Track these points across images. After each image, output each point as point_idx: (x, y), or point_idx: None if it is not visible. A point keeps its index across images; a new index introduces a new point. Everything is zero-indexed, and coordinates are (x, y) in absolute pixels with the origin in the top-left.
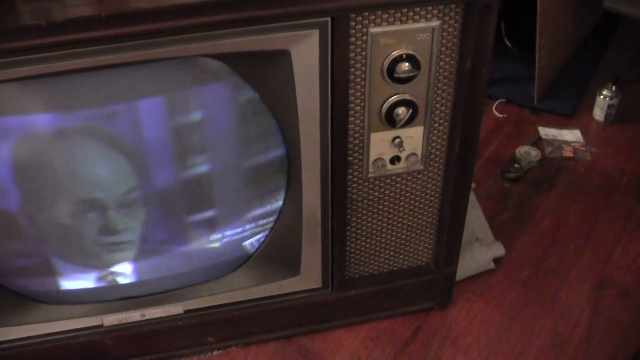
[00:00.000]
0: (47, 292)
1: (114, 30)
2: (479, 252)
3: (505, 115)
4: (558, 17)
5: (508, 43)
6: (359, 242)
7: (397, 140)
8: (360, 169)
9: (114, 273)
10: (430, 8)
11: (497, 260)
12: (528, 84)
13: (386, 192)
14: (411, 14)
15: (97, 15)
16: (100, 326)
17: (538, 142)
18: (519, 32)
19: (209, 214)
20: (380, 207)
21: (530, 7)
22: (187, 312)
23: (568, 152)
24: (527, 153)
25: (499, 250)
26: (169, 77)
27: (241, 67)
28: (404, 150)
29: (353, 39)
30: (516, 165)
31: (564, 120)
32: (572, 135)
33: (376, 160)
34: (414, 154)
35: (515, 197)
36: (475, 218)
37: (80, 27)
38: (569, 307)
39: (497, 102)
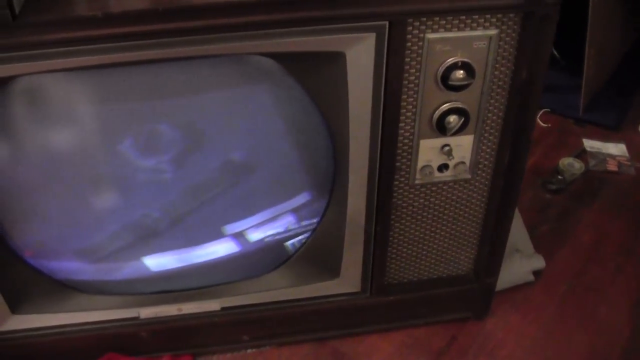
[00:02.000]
0: (86, 282)
1: (170, 24)
2: (519, 263)
3: (549, 125)
4: (607, 26)
5: (555, 51)
6: (400, 247)
7: (446, 148)
8: (407, 175)
9: (151, 265)
10: (488, 16)
11: (536, 273)
12: (573, 93)
13: (431, 199)
14: (469, 21)
15: (153, 8)
16: (137, 318)
17: (582, 154)
18: (566, 41)
19: (253, 212)
20: (425, 213)
21: (578, 15)
22: (223, 309)
23: (612, 166)
24: (570, 165)
25: (538, 262)
26: (221, 74)
27: (294, 66)
28: (452, 158)
29: (409, 44)
30: (559, 177)
31: (608, 132)
32: (617, 149)
33: (423, 167)
34: (462, 162)
35: (557, 208)
36: (516, 228)
37: (136, 20)
38: (607, 324)
39: (542, 111)
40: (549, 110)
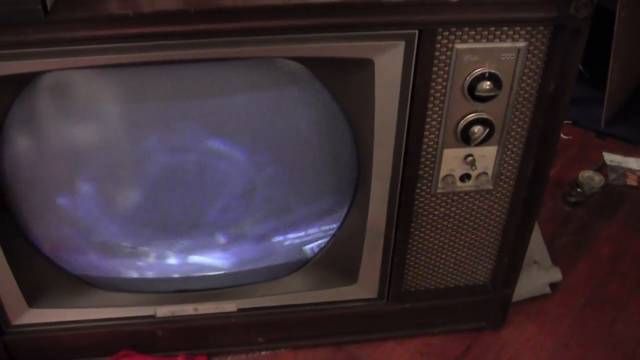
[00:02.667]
0: (104, 278)
1: (201, 26)
2: (536, 275)
3: (571, 137)
4: (632, 41)
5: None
6: (419, 255)
7: (470, 158)
8: (429, 184)
9: (169, 265)
10: (517, 28)
11: (553, 285)
12: (596, 106)
13: (452, 209)
14: (498, 32)
15: (185, 9)
16: (153, 316)
17: (602, 168)
18: (590, 54)
19: (274, 215)
20: (445, 222)
21: (603, 28)
22: (240, 310)
23: (632, 181)
24: (590, 178)
25: (556, 274)
26: (249, 76)
27: (322, 71)
28: (475, 168)
29: (437, 53)
30: (578, 190)
31: (630, 147)
32: (637, 164)
33: (446, 176)
34: (485, 173)
35: (576, 221)
36: (534, 240)
37: (167, 20)
38: (624, 339)
39: (564, 123)
40: (570, 122)
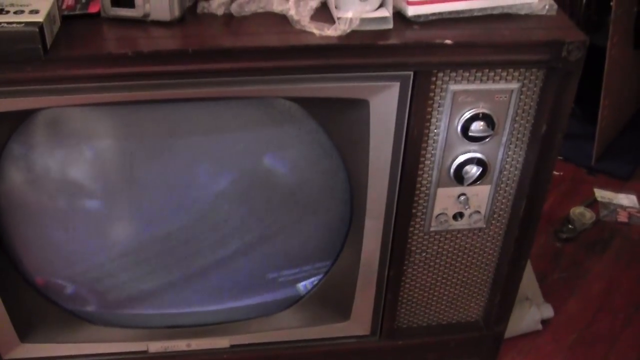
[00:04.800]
0: (97, 313)
1: (198, 65)
2: (528, 311)
3: (562, 173)
4: (623, 77)
5: None
6: (412, 293)
7: (463, 197)
8: (423, 222)
9: (164, 302)
10: (511, 70)
11: (544, 322)
12: (587, 142)
13: (445, 247)
14: (492, 74)
15: (183, 49)
16: (145, 352)
17: (593, 204)
18: (581, 90)
19: (268, 253)
20: (438, 260)
21: (594, 65)
22: (232, 346)
23: (623, 217)
24: (582, 214)
25: (547, 311)
26: (245, 114)
27: (317, 111)
28: (468, 207)
29: (432, 94)
30: (570, 226)
31: (621, 183)
32: (628, 200)
33: (439, 214)
34: (477, 212)
35: (567, 257)
36: (526, 276)
37: (166, 60)
38: None
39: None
40: (561, 158)
